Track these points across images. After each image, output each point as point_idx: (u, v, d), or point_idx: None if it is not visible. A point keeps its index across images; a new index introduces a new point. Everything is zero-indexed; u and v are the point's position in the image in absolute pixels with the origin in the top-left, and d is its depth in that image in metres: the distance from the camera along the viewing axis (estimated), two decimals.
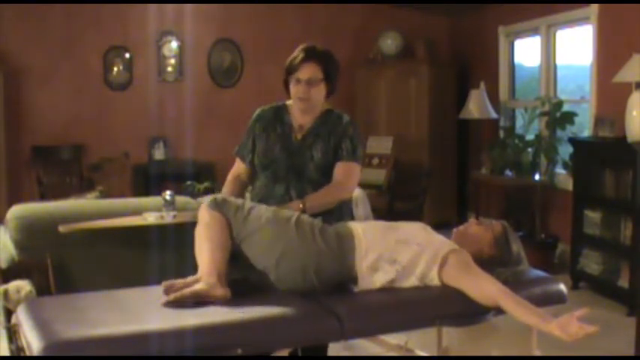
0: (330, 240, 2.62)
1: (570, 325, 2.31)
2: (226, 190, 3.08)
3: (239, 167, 3.11)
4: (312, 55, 2.92)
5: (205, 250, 2.62)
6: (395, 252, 2.62)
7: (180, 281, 2.53)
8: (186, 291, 2.46)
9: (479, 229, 2.80)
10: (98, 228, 3.49)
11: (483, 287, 2.53)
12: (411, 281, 2.63)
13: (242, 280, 2.69)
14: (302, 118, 3.01)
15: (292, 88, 2.96)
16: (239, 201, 2.78)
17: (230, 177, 3.13)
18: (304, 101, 2.95)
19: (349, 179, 2.96)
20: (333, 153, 2.96)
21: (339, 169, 2.95)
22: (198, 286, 2.48)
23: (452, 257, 2.62)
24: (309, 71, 2.91)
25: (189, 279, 2.55)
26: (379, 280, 2.61)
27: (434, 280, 2.63)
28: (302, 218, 2.69)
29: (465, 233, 2.81)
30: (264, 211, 2.70)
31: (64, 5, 6.85)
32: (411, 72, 7.28)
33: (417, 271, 2.62)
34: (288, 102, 3.08)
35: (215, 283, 2.50)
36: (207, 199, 2.81)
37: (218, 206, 2.69)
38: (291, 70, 2.94)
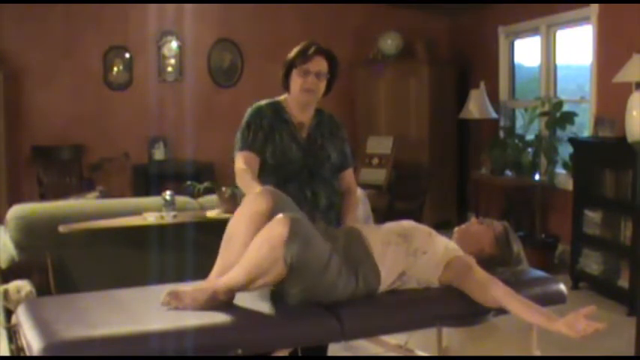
0: (362, 284, 2.56)
1: (578, 322, 2.31)
2: (250, 177, 2.82)
3: (252, 160, 2.90)
4: (322, 50, 2.94)
5: (246, 266, 2.40)
6: (405, 265, 2.64)
7: (187, 292, 2.45)
8: (189, 307, 2.41)
9: (480, 229, 2.81)
10: (98, 228, 3.49)
11: (486, 289, 2.53)
12: (412, 285, 2.66)
13: None
14: (301, 115, 2.99)
15: (297, 79, 2.91)
16: (314, 247, 2.44)
17: (243, 165, 2.87)
18: (311, 93, 2.92)
19: (356, 183, 3.17)
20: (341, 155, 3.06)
21: (350, 176, 3.12)
22: (204, 301, 2.41)
23: (454, 261, 2.63)
24: (320, 64, 2.91)
25: (197, 288, 2.49)
26: (386, 289, 2.63)
27: (434, 283, 2.65)
28: (346, 263, 2.54)
29: (466, 232, 2.82)
30: (336, 278, 2.49)
31: (64, 5, 6.84)
32: (411, 72, 7.28)
33: (421, 277, 2.65)
34: (280, 98, 3.04)
35: (224, 301, 2.43)
36: (287, 216, 2.42)
37: (290, 241, 2.35)
38: (301, 61, 2.89)
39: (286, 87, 2.99)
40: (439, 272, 2.63)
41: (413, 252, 2.65)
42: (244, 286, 2.44)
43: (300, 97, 2.95)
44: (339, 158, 3.03)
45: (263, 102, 3.04)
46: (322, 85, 2.95)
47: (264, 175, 2.91)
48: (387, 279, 2.61)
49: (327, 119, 3.06)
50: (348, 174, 3.11)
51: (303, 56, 2.90)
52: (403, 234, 2.72)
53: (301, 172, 2.93)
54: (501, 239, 2.78)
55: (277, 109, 3.00)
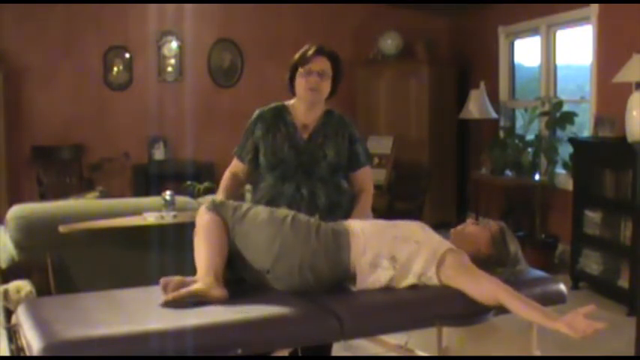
0: (326, 238, 2.63)
1: (578, 322, 2.31)
2: (223, 185, 3.11)
3: (237, 166, 3.13)
4: (324, 50, 3.00)
5: (203, 252, 2.62)
6: (393, 249, 2.62)
7: (177, 278, 2.53)
8: (184, 291, 2.46)
9: (476, 229, 2.81)
10: (98, 228, 3.49)
11: (485, 286, 2.53)
12: (409, 280, 2.63)
13: (239, 281, 2.70)
14: (306, 117, 3.03)
15: (301, 80, 2.97)
16: (236, 203, 2.79)
17: (228, 173, 3.14)
18: (314, 92, 2.96)
19: (372, 182, 3.19)
20: (346, 155, 3.06)
21: (363, 175, 3.13)
22: (195, 286, 2.48)
23: (449, 257, 2.62)
24: (321, 64, 2.97)
25: (188, 279, 2.55)
26: (378, 279, 2.61)
27: (432, 279, 2.62)
28: (298, 217, 2.69)
29: (462, 233, 2.82)
30: (260, 211, 2.71)
31: (64, 5, 6.85)
32: (411, 72, 7.28)
33: (415, 269, 2.62)
34: (288, 102, 3.10)
35: (212, 283, 2.50)
36: (205, 202, 2.81)
37: (216, 208, 2.70)
38: (302, 62, 2.96)
39: (292, 91, 3.05)
40: (434, 264, 2.61)
41: (402, 238, 2.65)
42: (213, 257, 2.58)
43: (306, 97, 3.00)
44: (337, 158, 3.03)
45: (267, 106, 3.11)
46: (326, 85, 2.99)
47: (263, 175, 3.05)
48: (364, 246, 2.60)
49: (335, 119, 3.09)
50: (361, 173, 3.12)
51: (305, 58, 2.97)
52: (391, 223, 2.75)
53: (296, 171, 2.97)
54: (497, 239, 2.78)
55: (280, 111, 3.07)
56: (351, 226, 2.69)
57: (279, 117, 3.04)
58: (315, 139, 3.02)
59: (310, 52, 2.97)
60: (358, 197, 3.10)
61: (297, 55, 3.01)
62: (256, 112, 3.10)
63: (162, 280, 2.52)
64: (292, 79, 3.02)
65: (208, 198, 3.93)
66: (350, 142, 3.08)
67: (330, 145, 3.02)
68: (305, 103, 3.02)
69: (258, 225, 2.65)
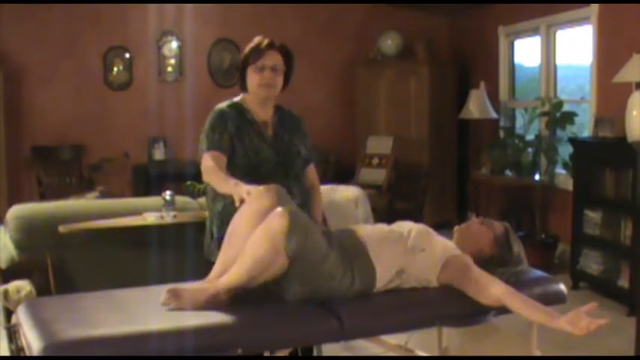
0: (360, 277, 2.56)
1: (580, 319, 2.31)
2: (218, 168, 2.79)
3: (219, 159, 2.84)
4: (275, 44, 2.92)
5: (247, 262, 2.41)
6: (403, 262, 2.63)
7: (187, 291, 2.46)
8: (188, 307, 2.41)
9: (480, 229, 2.81)
10: (98, 228, 3.48)
11: (486, 287, 2.54)
12: (412, 284, 2.66)
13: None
14: (262, 113, 2.96)
15: (255, 76, 2.89)
16: (316, 239, 2.48)
17: (210, 162, 2.82)
18: (269, 88, 2.89)
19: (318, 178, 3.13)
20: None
21: (313, 170, 3.09)
22: (204, 302, 2.41)
23: (452, 260, 2.63)
24: (274, 58, 2.90)
25: (203, 284, 2.51)
26: (385, 287, 2.63)
27: (432, 282, 2.65)
28: (351, 269, 2.55)
29: (466, 232, 2.82)
30: (331, 264, 2.50)
31: (64, 5, 6.85)
32: (411, 72, 7.28)
33: (420, 276, 2.65)
34: (237, 99, 3.01)
35: (226, 300, 2.43)
36: (286, 209, 2.44)
37: (290, 233, 2.39)
38: (254, 58, 2.88)
39: (243, 87, 2.97)
40: (437, 270, 2.62)
41: (411, 249, 2.65)
42: (246, 284, 2.44)
43: (259, 93, 2.92)
44: (307, 153, 3.02)
45: (224, 104, 3.00)
46: (279, 79, 2.93)
47: (235, 176, 2.78)
48: (384, 276, 2.60)
49: (287, 115, 3.04)
50: (312, 169, 3.08)
51: (257, 52, 2.89)
52: (400, 232, 2.73)
53: (276, 170, 2.89)
54: (501, 240, 2.78)
55: (240, 109, 2.96)
56: (372, 251, 2.61)
57: (241, 115, 2.94)
58: (280, 137, 2.96)
59: (263, 46, 2.88)
60: (313, 194, 3.04)
61: (247, 50, 2.92)
62: (217, 111, 2.96)
63: (169, 291, 2.43)
64: (243, 75, 2.93)
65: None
66: (304, 138, 3.05)
67: (298, 141, 2.99)
68: (258, 100, 2.94)
69: (314, 268, 2.47)
